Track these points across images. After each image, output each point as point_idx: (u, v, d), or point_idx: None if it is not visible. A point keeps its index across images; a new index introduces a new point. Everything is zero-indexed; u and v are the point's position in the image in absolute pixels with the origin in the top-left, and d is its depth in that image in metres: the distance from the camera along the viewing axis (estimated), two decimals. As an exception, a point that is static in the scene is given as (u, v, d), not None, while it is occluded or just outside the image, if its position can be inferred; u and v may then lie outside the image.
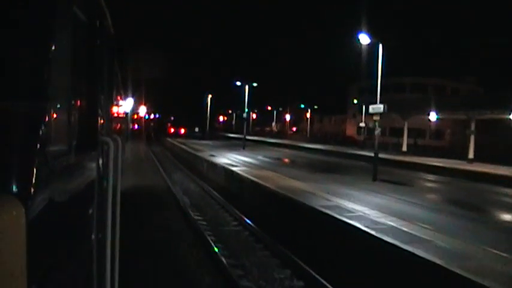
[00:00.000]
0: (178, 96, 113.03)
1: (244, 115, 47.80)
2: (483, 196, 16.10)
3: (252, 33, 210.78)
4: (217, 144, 46.34)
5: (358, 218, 9.47)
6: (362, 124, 53.43)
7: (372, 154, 19.08)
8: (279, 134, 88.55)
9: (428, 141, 53.15)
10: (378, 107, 18.89)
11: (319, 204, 11.01)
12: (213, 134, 75.78)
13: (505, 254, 7.17)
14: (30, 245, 0.99)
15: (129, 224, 5.13)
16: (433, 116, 34.70)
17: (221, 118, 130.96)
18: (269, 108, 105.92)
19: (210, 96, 72.17)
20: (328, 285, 7.25)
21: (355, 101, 65.32)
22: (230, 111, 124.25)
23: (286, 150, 42.86)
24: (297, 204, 11.45)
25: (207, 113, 73.86)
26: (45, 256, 1.19)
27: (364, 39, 19.39)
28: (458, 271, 6.15)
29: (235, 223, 12.22)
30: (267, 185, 14.28)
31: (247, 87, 43.99)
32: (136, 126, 57.77)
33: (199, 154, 29.13)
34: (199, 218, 12.63)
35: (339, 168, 24.08)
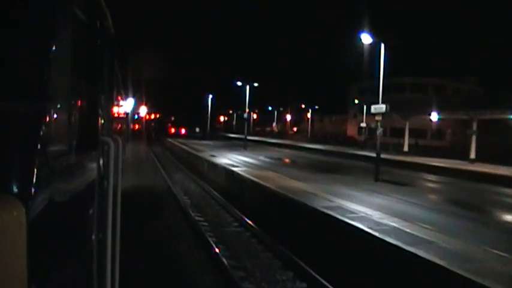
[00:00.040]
0: (179, 96, 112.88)
1: (245, 115, 47.83)
2: (484, 196, 16.10)
3: (252, 33, 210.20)
4: (217, 145, 46.32)
5: (361, 219, 9.47)
6: (363, 124, 53.48)
7: (373, 154, 19.07)
8: (280, 134, 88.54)
9: (429, 142, 53.15)
10: (380, 107, 18.84)
11: (321, 205, 11.00)
12: (213, 134, 75.75)
13: (505, 254, 7.18)
14: (30, 245, 0.99)
15: (130, 224, 5.12)
16: (434, 116, 34.66)
17: (222, 118, 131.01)
18: (270, 108, 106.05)
19: (210, 96, 72.32)
20: (330, 286, 7.24)
21: (356, 101, 65.37)
22: (231, 112, 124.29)
23: (287, 151, 42.84)
24: (299, 205, 11.44)
25: (207, 113, 73.91)
26: (46, 256, 1.19)
27: (366, 39, 19.37)
28: (459, 271, 6.16)
29: (236, 224, 12.22)
30: (268, 185, 14.27)
31: (247, 87, 43.99)
32: (136, 126, 57.85)
33: (200, 154, 29.12)
34: (200, 218, 12.63)
35: (340, 168, 24.04)
